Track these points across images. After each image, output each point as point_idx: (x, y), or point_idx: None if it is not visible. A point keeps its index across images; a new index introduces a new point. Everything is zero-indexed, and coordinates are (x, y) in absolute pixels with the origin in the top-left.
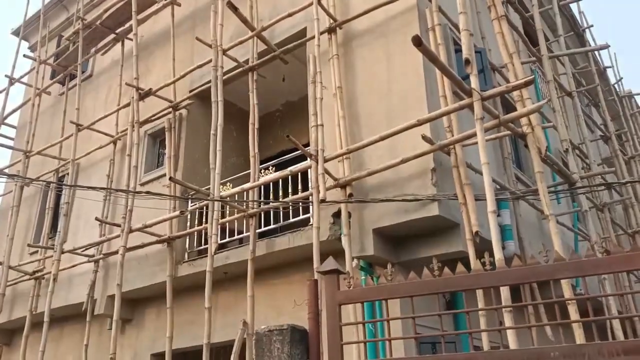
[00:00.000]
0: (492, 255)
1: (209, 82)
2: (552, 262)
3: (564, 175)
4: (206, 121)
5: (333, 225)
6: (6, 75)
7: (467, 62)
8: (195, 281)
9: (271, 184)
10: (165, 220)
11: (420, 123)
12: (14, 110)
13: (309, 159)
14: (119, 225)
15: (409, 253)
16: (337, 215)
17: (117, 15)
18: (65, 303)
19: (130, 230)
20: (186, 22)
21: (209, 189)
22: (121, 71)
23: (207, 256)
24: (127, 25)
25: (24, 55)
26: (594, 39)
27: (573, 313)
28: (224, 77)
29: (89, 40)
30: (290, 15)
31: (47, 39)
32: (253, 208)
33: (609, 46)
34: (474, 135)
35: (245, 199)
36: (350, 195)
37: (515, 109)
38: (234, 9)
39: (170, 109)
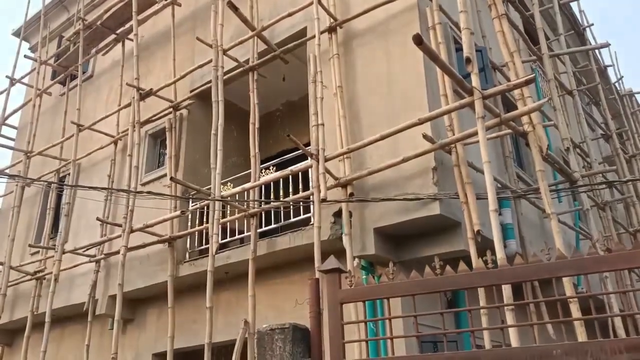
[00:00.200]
0: (493, 253)
1: (210, 82)
2: (555, 260)
3: (565, 174)
4: (207, 121)
5: (334, 224)
6: (7, 76)
7: (468, 60)
8: (197, 281)
9: (272, 183)
10: (166, 220)
11: (421, 122)
12: (14, 111)
13: (309, 158)
14: (120, 226)
15: (410, 252)
16: (338, 214)
17: (118, 15)
18: (66, 303)
19: (132, 230)
20: (186, 22)
21: (209, 188)
22: (122, 71)
23: (208, 256)
24: (127, 25)
25: (25, 56)
26: (594, 38)
27: (575, 311)
28: (225, 77)
29: (90, 40)
30: (290, 14)
31: (47, 40)
32: (254, 208)
33: (610, 45)
34: (475, 134)
35: (246, 198)
36: (351, 194)
37: (515, 108)
38: (235, 9)
39: (171, 109)
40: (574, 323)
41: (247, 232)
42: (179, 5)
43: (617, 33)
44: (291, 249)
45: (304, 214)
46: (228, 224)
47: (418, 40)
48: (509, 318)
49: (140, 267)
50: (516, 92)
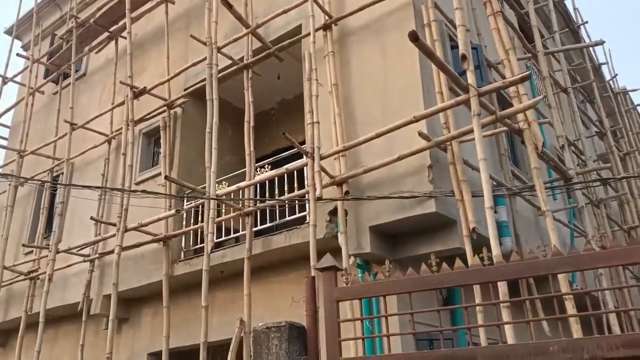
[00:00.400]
0: (489, 251)
1: (204, 80)
2: (551, 257)
3: (560, 172)
4: (201, 119)
5: (329, 223)
6: None
7: (464, 57)
8: (192, 280)
9: (267, 182)
10: (160, 219)
11: (416, 119)
12: (7, 110)
13: (304, 156)
14: (114, 225)
15: (406, 250)
16: (333, 213)
17: (111, 13)
18: (60, 303)
19: (126, 230)
20: (180, 19)
21: (204, 187)
22: (115, 70)
23: (203, 255)
24: (120, 23)
25: (17, 54)
26: (588, 36)
27: (570, 308)
28: (219, 75)
29: (83, 38)
30: (285, 12)
31: (40, 38)
32: (249, 206)
33: (604, 42)
34: (471, 131)
35: (241, 197)
36: (347, 192)
37: (510, 106)
38: (229, 6)
39: (165, 108)
40: (570, 320)
41: (243, 230)
42: (173, 2)
43: (611, 30)
44: (287, 247)
45: (299, 213)
46: (223, 222)
47: (414, 37)
48: (505, 315)
49: (135, 266)
50: (511, 89)
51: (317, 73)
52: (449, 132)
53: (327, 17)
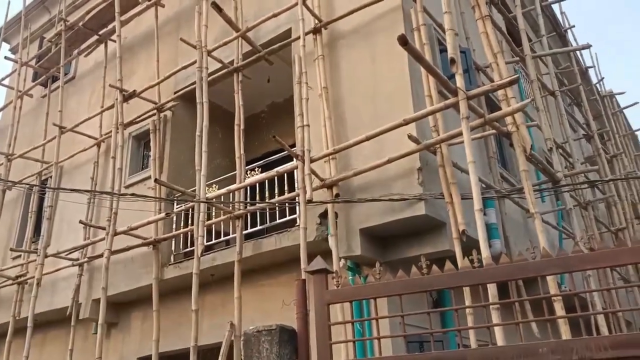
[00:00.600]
0: (479, 253)
1: (194, 83)
2: (540, 259)
3: (548, 174)
4: (191, 123)
5: (320, 225)
6: None
7: (453, 61)
8: (182, 283)
9: (257, 185)
10: (150, 222)
11: (406, 122)
12: None
13: (295, 159)
14: (103, 228)
15: (396, 253)
16: (324, 215)
17: (100, 16)
18: (49, 308)
19: (115, 233)
20: (170, 23)
21: (194, 190)
22: (104, 73)
23: (193, 258)
24: (110, 26)
25: (5, 57)
26: (575, 40)
27: (559, 309)
28: (209, 78)
29: (72, 41)
30: (275, 15)
31: (28, 41)
32: (239, 209)
33: (591, 46)
34: (460, 134)
35: (231, 200)
36: (337, 195)
37: (499, 109)
38: (219, 10)
39: (155, 111)
40: (558, 321)
41: (233, 233)
42: (163, 6)
43: (598, 34)
44: (277, 250)
45: (289, 216)
46: (213, 225)
47: (403, 41)
48: (495, 317)
49: (125, 270)
50: (500, 92)
51: (307, 76)
52: (438, 135)
53: (316, 21)
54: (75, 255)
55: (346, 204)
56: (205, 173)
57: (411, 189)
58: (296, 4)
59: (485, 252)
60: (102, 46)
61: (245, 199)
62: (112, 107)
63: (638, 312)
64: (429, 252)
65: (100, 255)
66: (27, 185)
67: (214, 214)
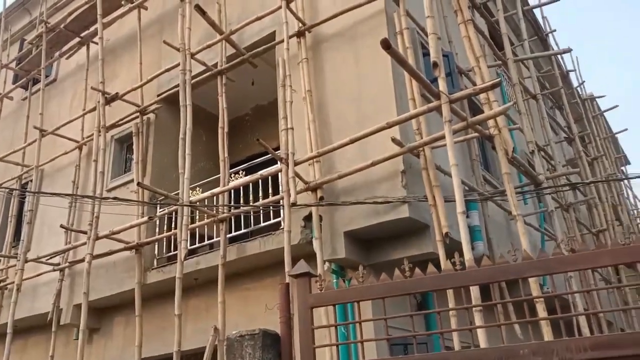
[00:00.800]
0: (461, 255)
1: (177, 86)
2: (521, 261)
3: (530, 176)
4: (175, 126)
5: (304, 228)
6: None
7: (435, 65)
8: (165, 288)
9: (241, 188)
10: (133, 226)
11: (389, 126)
12: None
13: (279, 162)
14: (85, 233)
15: (380, 255)
16: (308, 218)
17: (82, 18)
18: (29, 313)
19: (97, 238)
20: (153, 25)
21: (178, 194)
22: (86, 75)
23: (176, 262)
24: (92, 28)
25: None
26: (557, 44)
27: (541, 311)
28: (193, 81)
29: (53, 43)
30: (258, 18)
31: (9, 43)
32: (223, 213)
33: (571, 50)
34: (443, 137)
35: (215, 203)
36: (321, 198)
37: (481, 112)
38: (202, 13)
39: (138, 114)
40: (540, 323)
41: (217, 237)
42: (145, 8)
43: (579, 38)
44: (261, 254)
45: (274, 219)
46: (197, 229)
47: (386, 45)
48: (477, 319)
49: (107, 275)
50: (482, 96)
51: (291, 79)
52: (422, 138)
53: (300, 24)
54: (56, 260)
55: (330, 207)
56: (189, 176)
57: (395, 192)
58: (280, 7)
59: (467, 255)
60: (84, 48)
61: (230, 202)
62: (94, 109)
63: (619, 313)
64: (413, 255)
65: (82, 260)
66: (7, 189)
67: (197, 217)
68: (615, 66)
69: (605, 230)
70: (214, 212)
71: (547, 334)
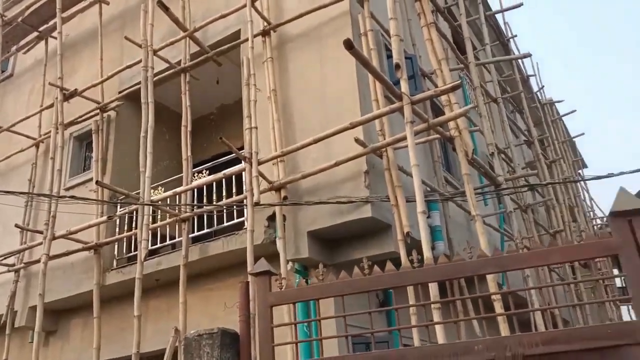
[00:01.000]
0: (418, 254)
1: (139, 83)
2: (477, 258)
3: (490, 178)
4: (137, 124)
5: (268, 228)
6: None
7: (397, 66)
8: (125, 289)
9: (205, 187)
10: (91, 226)
11: (353, 126)
12: None
13: (243, 162)
14: (41, 232)
15: (344, 255)
16: (271, 218)
17: (41, 12)
18: None
19: (54, 237)
20: (115, 21)
21: (139, 193)
22: (45, 71)
23: (137, 263)
24: (51, 23)
25: None
26: (518, 49)
27: (499, 308)
28: (155, 79)
29: (10, 38)
30: (223, 16)
31: None
32: (186, 212)
33: (531, 55)
34: (405, 138)
35: (177, 203)
36: (285, 198)
37: (444, 114)
38: (165, 9)
39: (98, 111)
40: (498, 320)
41: (179, 237)
42: (107, 3)
43: (540, 44)
44: (224, 253)
45: (237, 218)
46: (159, 229)
47: (349, 45)
48: (436, 316)
49: (64, 276)
50: (444, 98)
51: (255, 78)
52: (385, 139)
53: (265, 24)
54: (11, 260)
55: (294, 207)
56: (150, 175)
57: (358, 192)
58: (245, 6)
59: (427, 253)
60: (42, 43)
61: (192, 201)
62: (51, 106)
63: (575, 311)
64: (375, 254)
65: (38, 261)
66: None
67: (159, 217)
68: (570, 72)
69: (562, 230)
70: (176, 211)
71: (504, 331)
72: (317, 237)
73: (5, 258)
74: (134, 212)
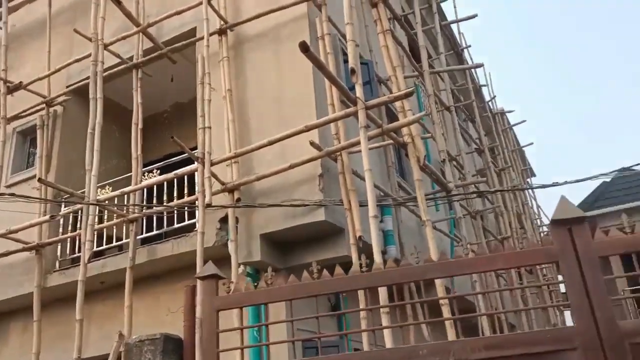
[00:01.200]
0: (367, 258)
1: (89, 77)
2: (423, 263)
3: (441, 184)
4: (85, 120)
5: (220, 230)
6: None
7: (353, 71)
8: (69, 292)
9: (155, 187)
10: (33, 225)
11: (308, 129)
12: None
13: (195, 162)
14: None
15: (296, 258)
16: (224, 220)
17: None
18: None
19: None
20: (65, 13)
21: (84, 191)
22: None
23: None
24: None
25: None
26: (471, 59)
27: (446, 313)
28: (106, 74)
29: None
30: (178, 13)
31: None
32: (134, 212)
33: (483, 65)
34: (359, 142)
35: (126, 203)
36: (238, 199)
37: (398, 120)
38: (117, 3)
39: (44, 105)
40: (446, 324)
41: (127, 238)
42: None
43: (492, 55)
44: (174, 256)
45: (188, 220)
46: (105, 230)
47: (304, 48)
48: (384, 321)
49: (2, 277)
50: (398, 105)
51: (210, 77)
52: (340, 143)
53: (222, 22)
54: None
55: (247, 209)
56: (97, 173)
57: (312, 195)
58: (201, 3)
59: (378, 258)
60: None
61: (142, 202)
62: None
63: (521, 317)
64: (328, 258)
65: None
66: None
67: (106, 217)
68: (522, 82)
69: (509, 237)
70: (124, 211)
71: (452, 336)
72: (270, 240)
73: None
74: (79, 211)
